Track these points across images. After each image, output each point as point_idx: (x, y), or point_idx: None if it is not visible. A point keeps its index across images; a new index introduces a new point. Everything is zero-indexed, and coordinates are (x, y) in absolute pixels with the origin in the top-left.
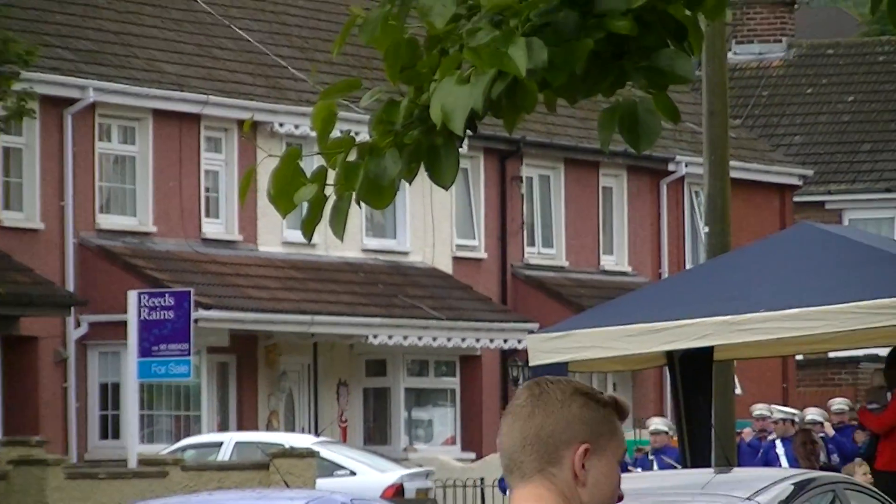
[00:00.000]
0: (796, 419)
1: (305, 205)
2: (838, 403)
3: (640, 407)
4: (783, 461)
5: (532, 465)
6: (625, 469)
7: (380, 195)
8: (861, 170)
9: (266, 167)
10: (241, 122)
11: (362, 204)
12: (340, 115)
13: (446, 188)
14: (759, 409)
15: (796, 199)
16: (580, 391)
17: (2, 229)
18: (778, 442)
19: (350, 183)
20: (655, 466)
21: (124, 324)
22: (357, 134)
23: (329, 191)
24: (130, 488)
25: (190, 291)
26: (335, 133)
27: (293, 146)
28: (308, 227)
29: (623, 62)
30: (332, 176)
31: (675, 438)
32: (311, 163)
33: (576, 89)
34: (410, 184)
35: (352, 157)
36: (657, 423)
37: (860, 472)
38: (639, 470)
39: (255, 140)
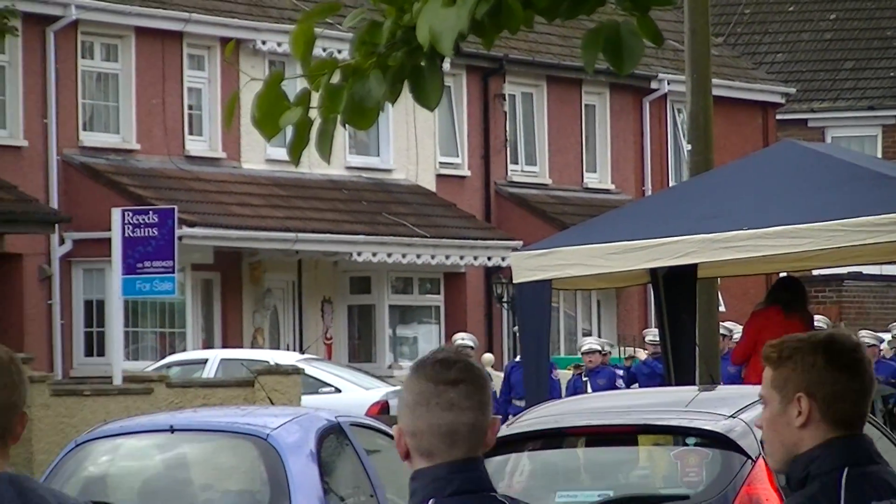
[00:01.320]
0: None
1: (290, 128)
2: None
3: (625, 324)
4: None
5: None
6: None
7: (364, 117)
8: (843, 87)
9: (251, 88)
10: (223, 41)
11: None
12: (322, 34)
13: (431, 109)
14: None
15: (779, 116)
16: None
17: None
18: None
19: (334, 105)
20: (589, 389)
21: (108, 241)
22: (339, 52)
23: (313, 113)
24: (115, 405)
25: (174, 209)
26: (318, 52)
27: (276, 67)
28: (295, 151)
29: None
30: (315, 98)
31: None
32: (295, 85)
33: (557, 9)
34: (393, 105)
35: (335, 79)
36: (590, 343)
37: None
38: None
39: (238, 59)
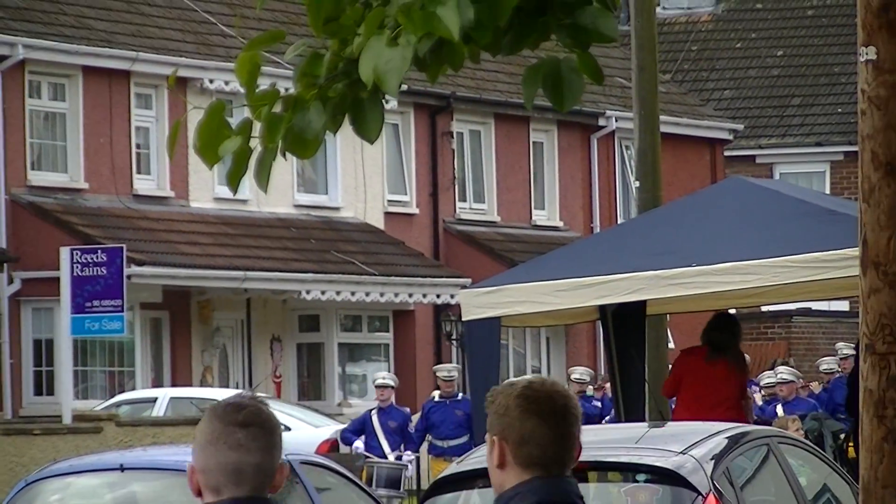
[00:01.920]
0: None
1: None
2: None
3: (574, 362)
4: None
5: None
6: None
7: (304, 147)
8: (791, 124)
9: (196, 121)
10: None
11: (292, 159)
12: (266, 71)
13: (371, 142)
14: None
15: (727, 153)
16: None
17: None
18: None
19: (274, 135)
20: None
21: (57, 280)
22: (286, 90)
23: (255, 143)
24: (65, 444)
25: (122, 247)
26: (263, 86)
27: (215, 101)
28: (233, 179)
29: (547, 18)
30: (258, 129)
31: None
32: (240, 116)
33: (499, 45)
34: (335, 134)
35: (277, 109)
36: (383, 378)
37: (793, 427)
38: None
39: (185, 95)
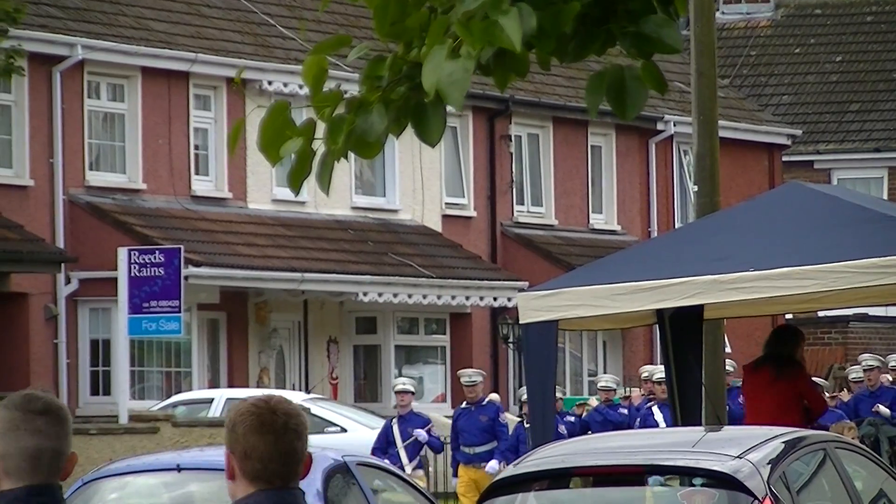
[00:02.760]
0: None
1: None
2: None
3: (631, 365)
4: None
5: None
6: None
7: (367, 148)
8: (850, 129)
9: (256, 122)
10: (229, 80)
11: (352, 160)
12: (329, 73)
13: (432, 146)
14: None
15: (785, 158)
16: None
17: None
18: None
19: (337, 136)
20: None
21: (114, 280)
22: (346, 93)
23: (317, 145)
24: (121, 444)
25: (180, 248)
26: (327, 87)
27: (279, 101)
28: (295, 179)
29: (610, 26)
30: (321, 130)
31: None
32: (303, 116)
33: (564, 52)
34: (398, 138)
35: (340, 111)
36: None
37: (849, 433)
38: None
39: (244, 88)
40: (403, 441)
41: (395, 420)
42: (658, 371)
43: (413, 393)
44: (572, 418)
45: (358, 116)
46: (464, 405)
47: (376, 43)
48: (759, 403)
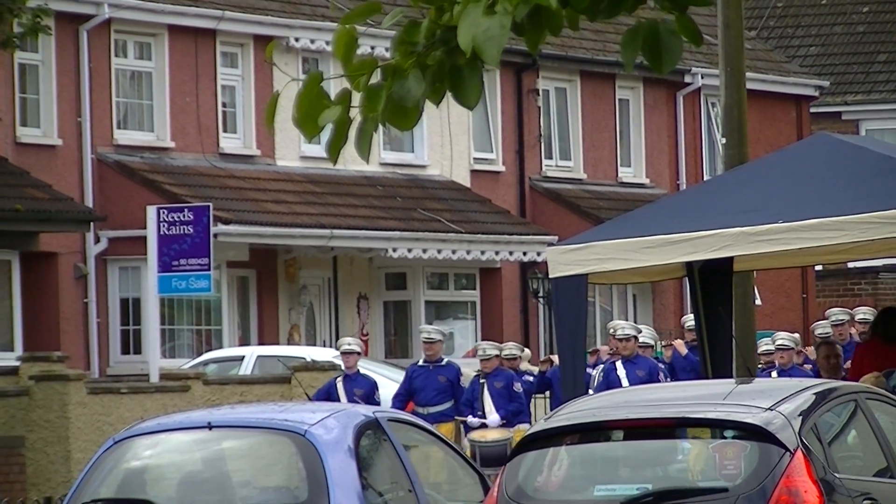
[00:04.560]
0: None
1: (330, 127)
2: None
3: (661, 318)
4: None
5: None
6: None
7: (405, 116)
8: (877, 80)
9: (282, 80)
10: (257, 38)
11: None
12: (365, 32)
13: (471, 108)
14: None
15: (812, 110)
16: None
17: (19, 146)
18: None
19: (374, 105)
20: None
21: (144, 239)
22: (373, 48)
23: (353, 112)
24: (153, 402)
25: (209, 206)
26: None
27: (309, 64)
28: (333, 150)
29: None
30: (356, 98)
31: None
32: (334, 82)
33: (597, 9)
34: (438, 105)
35: (375, 78)
36: (624, 327)
37: (878, 384)
38: None
39: (270, 55)
40: (349, 402)
41: (339, 379)
42: (622, 327)
43: (359, 353)
44: (531, 377)
45: (394, 83)
46: (420, 363)
47: (409, 8)
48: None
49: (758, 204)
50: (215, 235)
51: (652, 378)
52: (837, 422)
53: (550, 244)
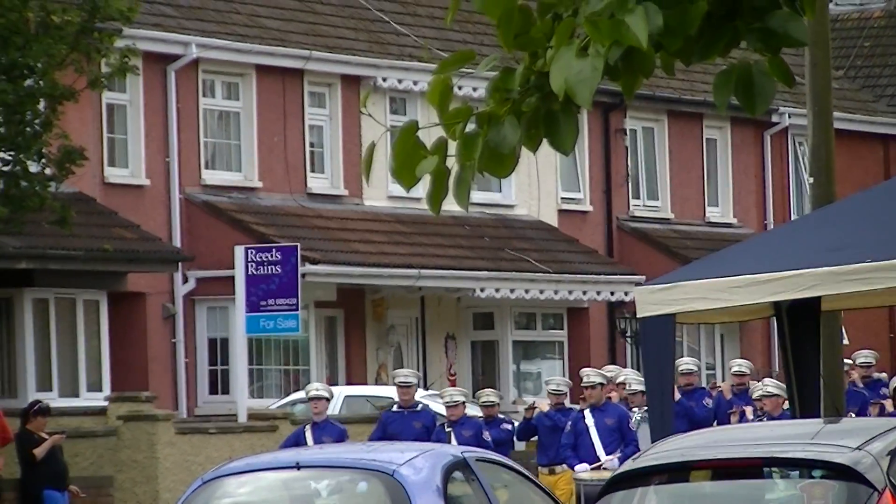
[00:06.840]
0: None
1: (428, 178)
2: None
3: (749, 358)
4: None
5: None
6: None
7: (501, 164)
8: None
9: (372, 125)
10: (344, 78)
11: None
12: (459, 75)
13: (567, 154)
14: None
15: None
16: None
17: (107, 186)
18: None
19: (470, 153)
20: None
21: (231, 279)
22: (474, 90)
23: (450, 161)
24: (240, 442)
25: (297, 246)
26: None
27: (396, 104)
28: (435, 201)
29: (736, 23)
30: (452, 147)
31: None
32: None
33: (690, 51)
34: (535, 152)
35: (470, 126)
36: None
37: None
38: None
39: (359, 93)
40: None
41: (308, 426)
42: (587, 374)
43: (328, 399)
44: (509, 426)
45: (489, 130)
46: (395, 409)
47: (503, 53)
48: None
49: (845, 243)
50: (303, 275)
51: (622, 425)
52: None
53: (638, 284)
